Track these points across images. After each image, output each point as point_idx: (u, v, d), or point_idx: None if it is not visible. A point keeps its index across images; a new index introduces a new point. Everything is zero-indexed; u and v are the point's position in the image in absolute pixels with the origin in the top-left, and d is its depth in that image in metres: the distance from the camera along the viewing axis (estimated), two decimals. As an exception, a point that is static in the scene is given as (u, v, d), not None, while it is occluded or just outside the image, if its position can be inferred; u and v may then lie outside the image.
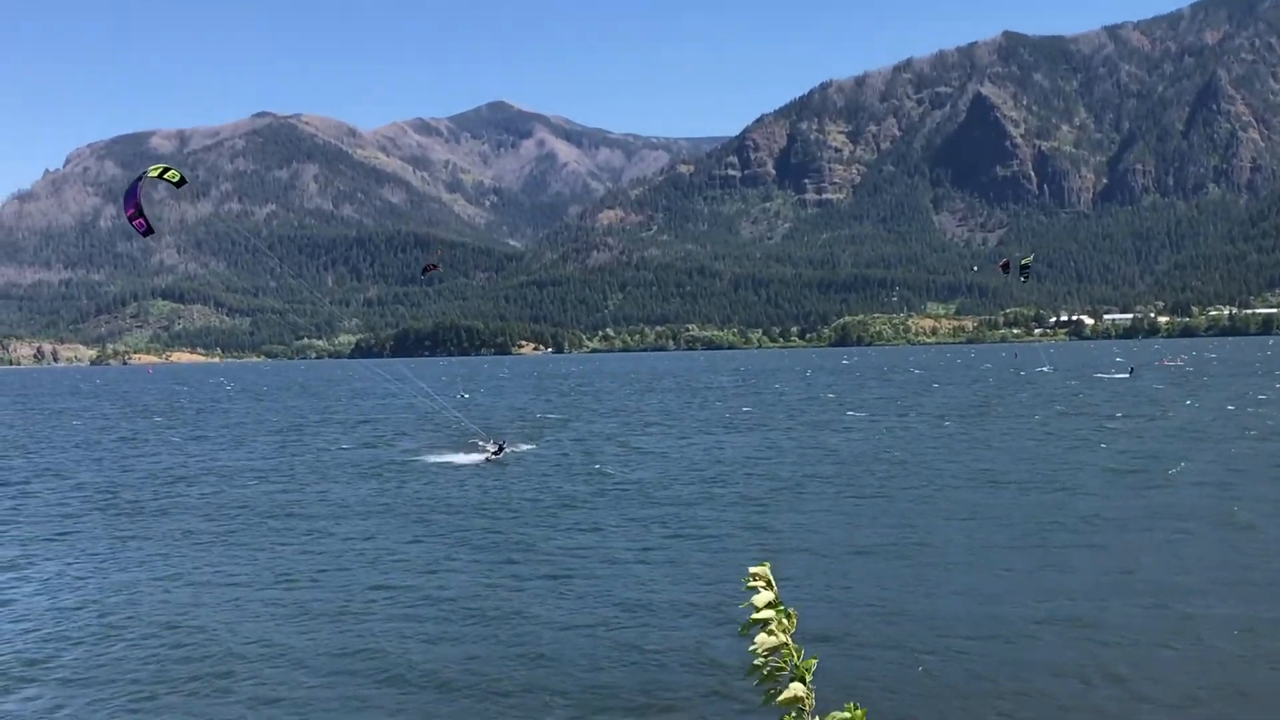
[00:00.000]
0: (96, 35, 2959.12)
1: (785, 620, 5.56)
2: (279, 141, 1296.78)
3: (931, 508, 49.13)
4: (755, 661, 5.52)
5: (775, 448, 77.49)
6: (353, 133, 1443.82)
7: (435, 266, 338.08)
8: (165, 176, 28.55)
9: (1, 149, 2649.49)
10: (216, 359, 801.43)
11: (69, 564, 42.05)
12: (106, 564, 41.85)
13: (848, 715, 5.15)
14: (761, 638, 5.52)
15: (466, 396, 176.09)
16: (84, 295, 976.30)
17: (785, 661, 5.52)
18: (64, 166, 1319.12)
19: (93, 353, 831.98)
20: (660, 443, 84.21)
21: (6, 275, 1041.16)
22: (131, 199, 28.80)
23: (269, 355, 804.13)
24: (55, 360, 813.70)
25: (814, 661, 5.52)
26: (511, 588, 35.87)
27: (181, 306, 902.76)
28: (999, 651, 27.67)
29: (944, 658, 27.25)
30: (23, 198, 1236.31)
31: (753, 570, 5.70)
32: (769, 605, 5.56)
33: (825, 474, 61.79)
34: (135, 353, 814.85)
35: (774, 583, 5.67)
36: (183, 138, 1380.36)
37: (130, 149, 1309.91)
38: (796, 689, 5.42)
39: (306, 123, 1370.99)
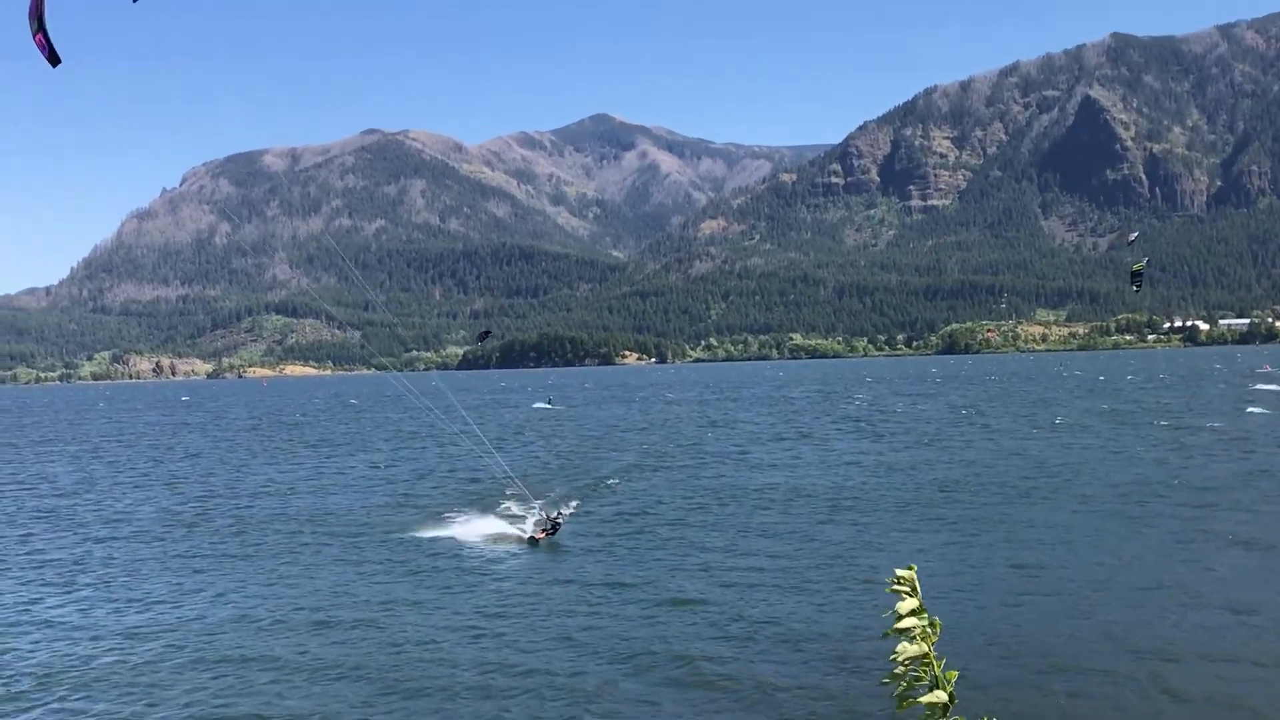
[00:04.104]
0: (209, 58, 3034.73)
1: (929, 629, 5.44)
2: (387, 157, 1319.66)
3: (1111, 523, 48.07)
4: (895, 670, 5.47)
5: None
6: (458, 147, 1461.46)
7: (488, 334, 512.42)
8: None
9: (121, 169, 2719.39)
10: (328, 372, 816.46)
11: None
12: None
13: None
14: (903, 646, 5.43)
15: (548, 406, 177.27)
16: (200, 310, 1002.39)
17: (925, 672, 5.42)
18: (180, 185, 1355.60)
19: (209, 367, 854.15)
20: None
21: (127, 292, 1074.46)
22: (34, 12, 20.02)
23: (379, 368, 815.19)
24: (173, 374, 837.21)
25: (955, 675, 5.43)
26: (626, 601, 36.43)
27: (294, 321, 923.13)
28: (1143, 676, 27.27)
29: (1084, 679, 27.04)
30: (141, 216, 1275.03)
31: (899, 573, 5.61)
32: (912, 612, 5.45)
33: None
34: (250, 366, 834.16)
35: (918, 588, 5.55)
36: (294, 155, 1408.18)
37: (244, 167, 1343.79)
38: (939, 695, 5.36)
39: (413, 138, 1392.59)
